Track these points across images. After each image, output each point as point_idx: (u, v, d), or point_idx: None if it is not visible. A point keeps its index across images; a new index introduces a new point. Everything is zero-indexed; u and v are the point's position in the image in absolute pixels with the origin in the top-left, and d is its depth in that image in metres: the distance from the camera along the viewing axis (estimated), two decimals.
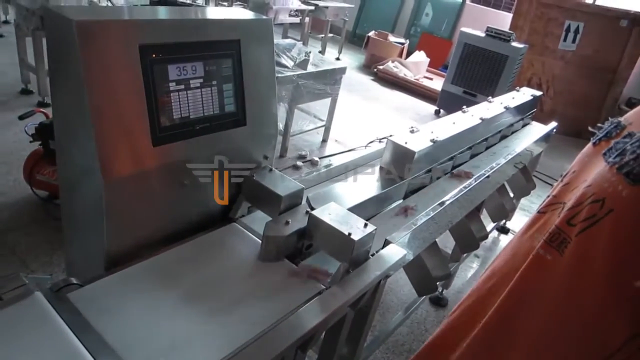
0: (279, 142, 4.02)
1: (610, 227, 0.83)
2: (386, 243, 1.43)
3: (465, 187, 1.90)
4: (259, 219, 1.48)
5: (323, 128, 4.48)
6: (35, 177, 2.64)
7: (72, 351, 0.95)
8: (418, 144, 1.83)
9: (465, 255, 2.67)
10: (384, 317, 2.54)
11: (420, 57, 7.73)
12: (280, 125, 3.99)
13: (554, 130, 3.09)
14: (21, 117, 2.74)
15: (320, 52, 7.46)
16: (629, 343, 0.86)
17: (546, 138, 3.00)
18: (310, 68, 3.85)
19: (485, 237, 2.14)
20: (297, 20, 6.73)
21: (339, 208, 1.36)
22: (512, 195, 2.69)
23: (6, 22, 5.71)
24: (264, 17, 1.52)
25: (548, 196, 1.04)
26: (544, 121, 3.21)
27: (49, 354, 0.94)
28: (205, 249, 1.37)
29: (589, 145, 0.99)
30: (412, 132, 1.94)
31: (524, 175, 2.65)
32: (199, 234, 1.42)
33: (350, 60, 8.17)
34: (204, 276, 1.26)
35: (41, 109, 2.82)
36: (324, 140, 4.54)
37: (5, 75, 4.45)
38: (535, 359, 0.98)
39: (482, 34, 5.66)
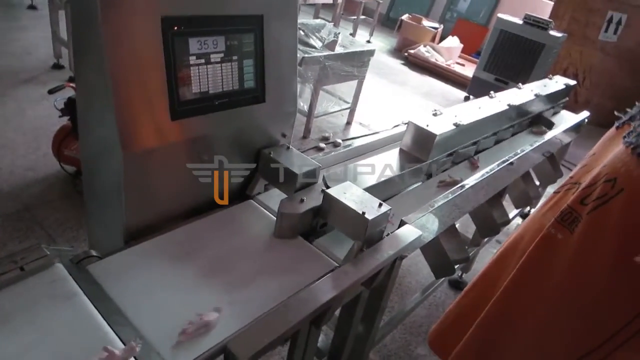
0: (303, 123, 4.02)
1: (620, 207, 0.81)
2: (402, 223, 1.41)
3: (487, 173, 1.86)
4: (275, 197, 1.49)
5: (348, 110, 4.45)
6: (64, 152, 2.70)
7: (90, 321, 0.98)
8: (440, 127, 1.80)
9: (486, 240, 2.63)
10: (403, 299, 2.55)
11: (453, 43, 7.55)
12: (305, 106, 3.98)
13: (586, 120, 2.98)
14: (50, 91, 2.80)
15: (351, 34, 7.37)
16: (636, 320, 0.85)
17: (577, 128, 2.90)
18: (339, 49, 3.81)
19: (507, 222, 2.10)
20: (330, 0, 6.64)
21: (354, 187, 1.36)
22: (538, 183, 2.62)
23: None
24: None
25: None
26: (578, 111, 3.10)
27: (68, 323, 0.97)
28: (222, 224, 1.39)
29: (612, 128, 0.96)
30: (434, 115, 1.91)
31: (551, 163, 2.57)
32: (216, 210, 1.44)
33: (381, 43, 8.05)
34: (220, 251, 1.28)
35: (71, 84, 2.88)
36: (349, 123, 4.51)
37: (38, 48, 4.52)
38: (543, 335, 0.97)
39: (520, 21, 5.48)
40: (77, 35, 1.22)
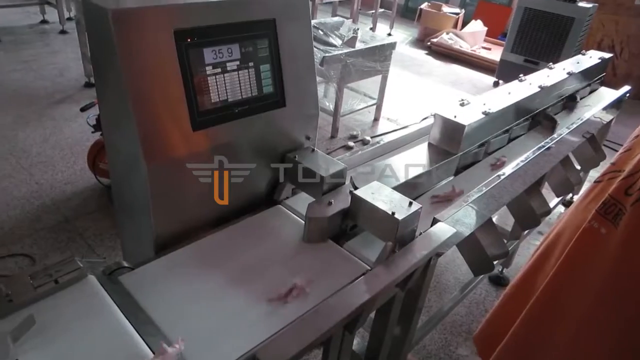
0: (330, 123, 3.99)
1: None
2: (434, 221, 1.37)
3: (522, 161, 1.78)
4: (303, 200, 1.46)
5: (374, 106, 4.39)
6: (99, 166, 2.78)
7: (121, 332, 0.99)
8: (468, 117, 1.73)
9: (526, 232, 2.53)
10: (441, 298, 2.48)
11: (476, 27, 7.34)
12: (331, 106, 3.95)
13: (627, 95, 2.83)
14: (82, 109, 2.89)
15: (370, 28, 7.28)
16: None
17: (617, 104, 2.76)
18: (359, 45, 3.76)
19: (548, 213, 2.01)
20: None
21: (382, 187, 1.32)
22: (579, 167, 2.50)
23: (70, 18, 6.01)
24: None
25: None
26: (618, 86, 2.94)
27: (100, 334, 0.98)
28: (250, 231, 1.38)
29: None
30: (462, 104, 1.84)
31: (592, 145, 2.45)
32: (244, 217, 1.43)
33: (402, 35, 7.91)
34: (249, 258, 1.27)
35: None
36: (376, 119, 4.45)
37: (70, 69, 4.71)
38: (586, 336, 0.91)
39: None
40: (95, 55, 1.24)
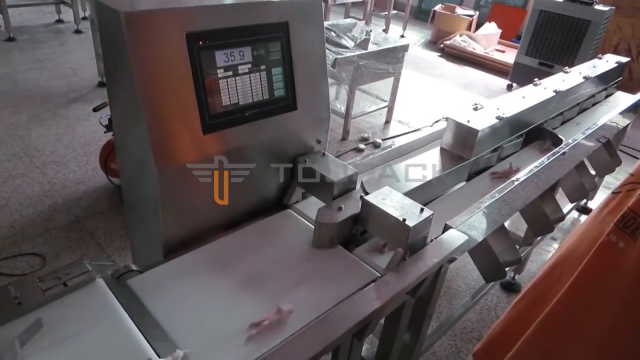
0: (341, 125, 3.97)
1: None
2: (446, 228, 1.34)
3: (536, 167, 1.75)
4: (313, 205, 1.45)
5: (386, 109, 4.36)
6: (110, 165, 2.79)
7: (128, 335, 0.98)
8: (482, 121, 1.70)
9: (539, 238, 2.49)
10: (451, 304, 2.45)
11: (490, 29, 7.28)
12: (342, 108, 3.93)
13: None
14: (95, 109, 2.91)
15: (383, 30, 7.25)
16: None
17: (634, 109, 2.70)
18: (371, 47, 3.74)
19: (561, 219, 1.97)
20: None
21: (393, 192, 1.30)
22: (593, 172, 2.46)
23: (85, 18, 6.06)
24: None
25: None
26: (634, 91, 2.90)
27: (107, 338, 0.98)
28: (259, 235, 1.37)
29: None
30: (475, 109, 1.81)
31: (608, 150, 2.40)
32: (254, 221, 1.42)
33: (415, 37, 7.87)
34: (258, 263, 1.26)
35: None
36: (387, 122, 4.42)
37: (84, 69, 4.75)
38: (603, 351, 0.88)
39: None
40: (107, 57, 1.23)
